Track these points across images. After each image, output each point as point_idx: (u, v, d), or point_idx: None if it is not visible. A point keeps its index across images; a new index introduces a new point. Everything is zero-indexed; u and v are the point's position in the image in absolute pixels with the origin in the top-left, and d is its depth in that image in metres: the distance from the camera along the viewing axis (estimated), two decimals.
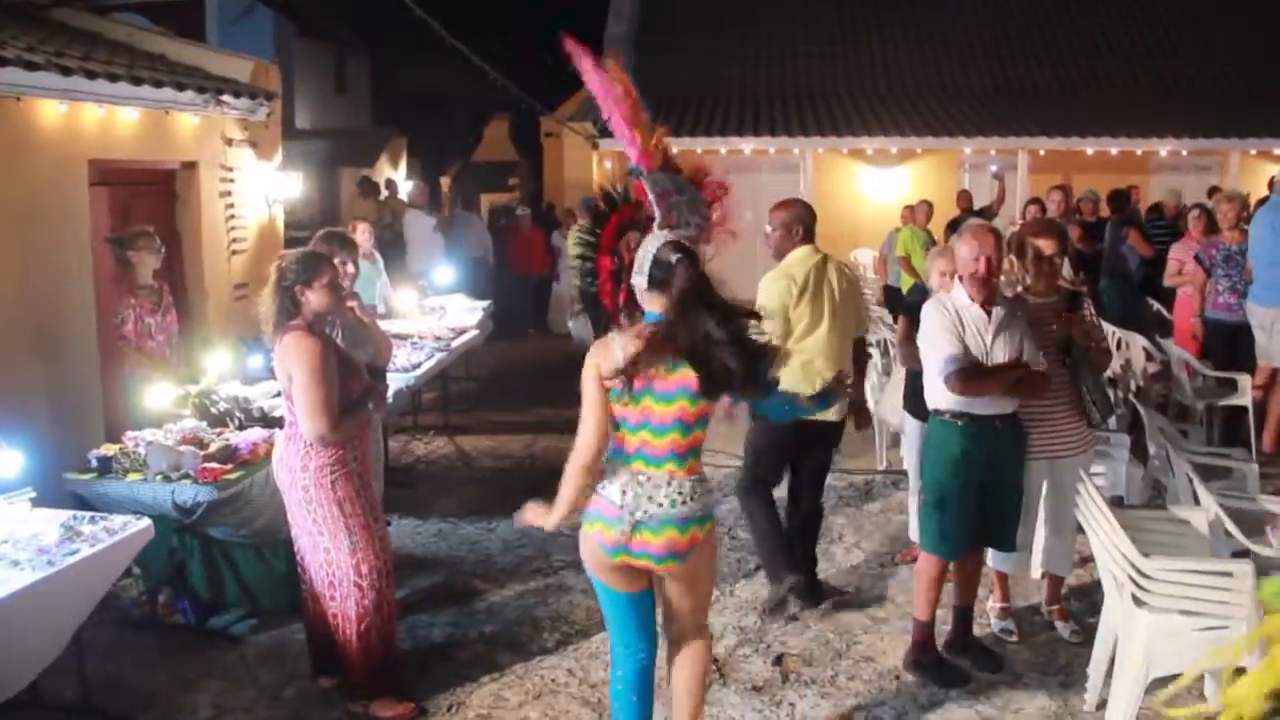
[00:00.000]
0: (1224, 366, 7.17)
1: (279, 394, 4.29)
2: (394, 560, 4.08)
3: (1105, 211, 10.21)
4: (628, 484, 3.07)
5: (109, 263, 5.97)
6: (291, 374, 3.65)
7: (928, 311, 4.08)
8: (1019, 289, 4.42)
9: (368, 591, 3.83)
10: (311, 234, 5.10)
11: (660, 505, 3.05)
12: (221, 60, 7.84)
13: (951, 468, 4.02)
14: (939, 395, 4.03)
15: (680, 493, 3.06)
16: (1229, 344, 7.39)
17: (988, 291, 3.98)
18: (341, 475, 3.75)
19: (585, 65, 3.26)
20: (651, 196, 3.19)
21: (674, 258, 3.03)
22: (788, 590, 4.66)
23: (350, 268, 4.72)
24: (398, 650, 4.14)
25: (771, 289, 4.66)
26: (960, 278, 4.06)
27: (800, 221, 4.77)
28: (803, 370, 4.56)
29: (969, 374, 3.90)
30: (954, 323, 3.96)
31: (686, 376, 3.02)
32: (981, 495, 4.03)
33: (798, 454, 4.84)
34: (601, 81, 3.23)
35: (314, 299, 3.76)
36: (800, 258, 4.74)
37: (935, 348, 3.98)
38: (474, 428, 8.33)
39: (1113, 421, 5.42)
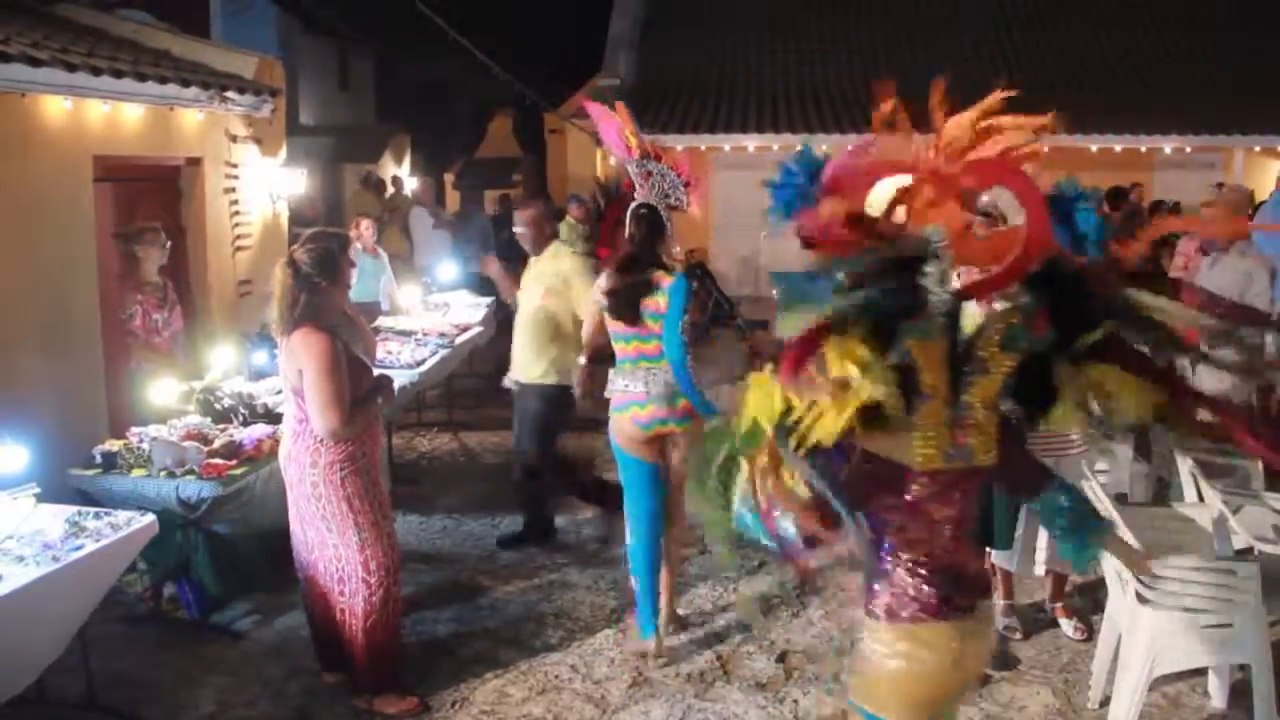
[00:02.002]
0: None
1: (281, 391, 4.30)
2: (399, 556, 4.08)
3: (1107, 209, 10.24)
4: (644, 378, 4.18)
5: (114, 259, 5.98)
6: (303, 370, 3.64)
7: None
8: None
9: (375, 588, 3.83)
10: (315, 230, 5.09)
11: (671, 384, 4.09)
12: (226, 56, 7.85)
13: None
14: None
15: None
16: None
17: None
18: (351, 472, 3.75)
19: (590, 108, 4.44)
20: (635, 175, 4.25)
21: (640, 213, 4.22)
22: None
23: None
24: (402, 646, 4.15)
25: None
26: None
27: (549, 219, 5.51)
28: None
29: None
30: None
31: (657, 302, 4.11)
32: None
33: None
34: (600, 113, 4.36)
35: (337, 296, 3.80)
36: (558, 245, 5.41)
37: None
38: (478, 424, 8.32)
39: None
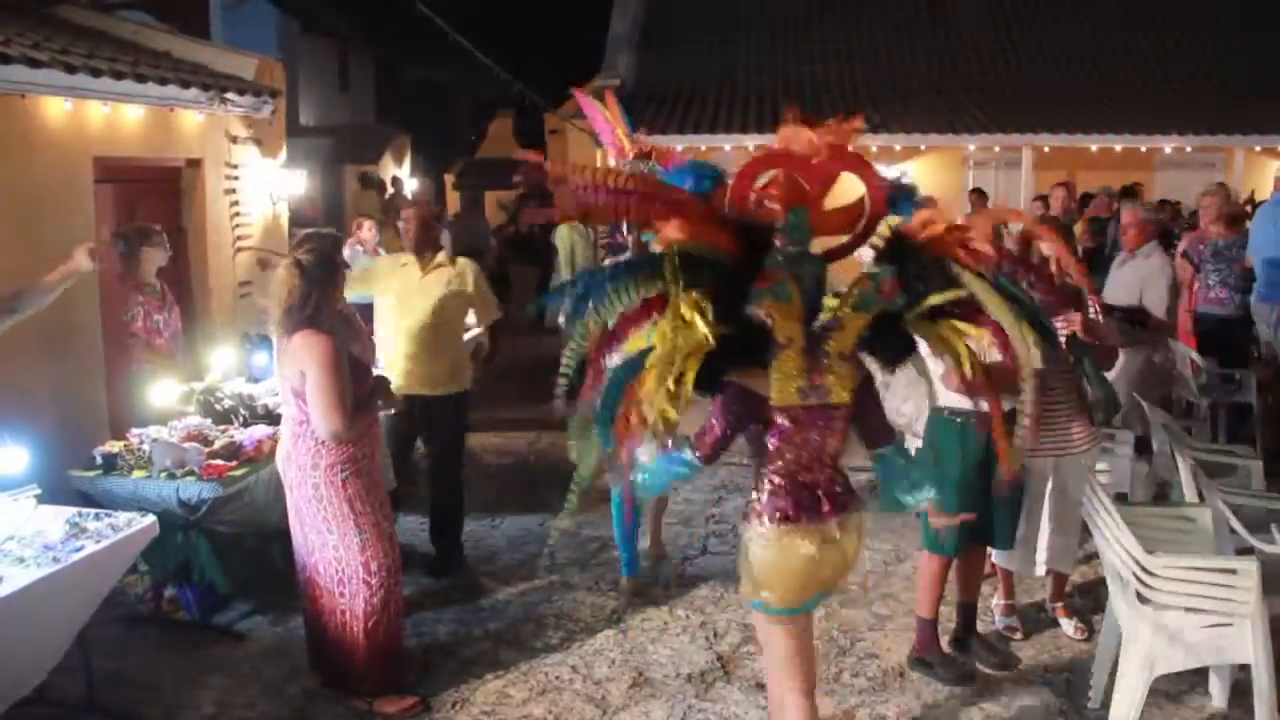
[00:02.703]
0: (1216, 360, 7.18)
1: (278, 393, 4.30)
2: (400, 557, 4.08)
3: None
4: None
5: (114, 260, 5.98)
6: (305, 372, 3.64)
7: None
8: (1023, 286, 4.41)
9: (376, 589, 3.83)
10: (309, 231, 5.10)
11: None
12: (226, 58, 7.84)
13: (950, 464, 4.03)
14: (939, 392, 4.04)
15: None
16: (1219, 338, 7.42)
17: None
18: (352, 473, 3.75)
19: (585, 104, 4.62)
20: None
21: None
22: None
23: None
24: (403, 647, 4.16)
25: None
26: None
27: (436, 222, 5.49)
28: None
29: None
30: None
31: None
32: (979, 493, 4.03)
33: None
34: (595, 111, 4.53)
35: (335, 296, 3.82)
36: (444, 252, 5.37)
37: None
38: (477, 425, 8.28)
39: (1117, 419, 5.43)
